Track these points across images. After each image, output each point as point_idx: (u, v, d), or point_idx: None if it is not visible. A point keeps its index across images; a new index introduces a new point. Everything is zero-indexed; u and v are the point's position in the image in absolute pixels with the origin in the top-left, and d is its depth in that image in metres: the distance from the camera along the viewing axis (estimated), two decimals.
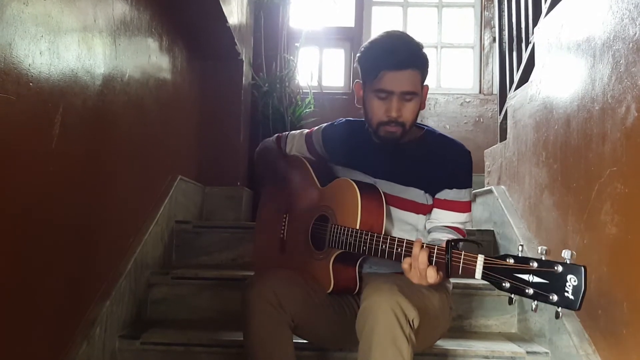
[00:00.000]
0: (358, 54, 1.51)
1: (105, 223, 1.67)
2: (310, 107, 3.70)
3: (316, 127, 1.73)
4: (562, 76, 1.84)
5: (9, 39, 1.09)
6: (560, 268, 0.99)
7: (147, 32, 1.98)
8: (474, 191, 2.70)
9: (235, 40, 2.82)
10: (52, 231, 1.33)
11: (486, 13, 4.26)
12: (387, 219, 1.46)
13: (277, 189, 1.76)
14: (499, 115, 2.88)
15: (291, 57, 3.74)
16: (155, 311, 2.03)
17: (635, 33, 1.34)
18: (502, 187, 2.46)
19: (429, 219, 1.52)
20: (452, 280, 1.71)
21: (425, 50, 1.48)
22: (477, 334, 1.97)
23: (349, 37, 4.34)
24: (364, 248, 1.35)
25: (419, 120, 1.56)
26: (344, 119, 1.69)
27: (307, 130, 1.75)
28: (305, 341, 1.60)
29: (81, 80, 1.43)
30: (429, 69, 1.49)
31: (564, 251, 1.00)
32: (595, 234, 1.52)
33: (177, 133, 2.50)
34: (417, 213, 1.51)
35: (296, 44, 3.80)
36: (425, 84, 1.49)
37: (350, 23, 4.35)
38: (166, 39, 2.22)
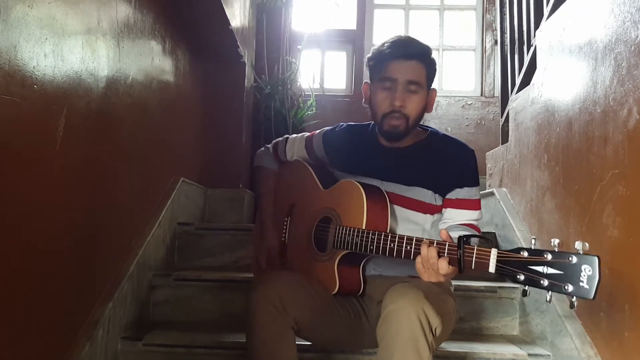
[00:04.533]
0: (369, 55, 1.54)
1: (108, 225, 1.67)
2: (312, 110, 3.71)
3: (317, 131, 1.71)
4: (563, 79, 1.85)
5: (13, 41, 1.09)
6: (574, 259, 1.01)
7: (150, 35, 1.99)
8: None
9: (238, 42, 2.83)
10: (55, 233, 1.34)
11: (488, 16, 4.27)
12: (392, 218, 1.47)
13: (278, 193, 1.76)
14: (501, 117, 2.89)
15: (293, 60, 3.75)
16: (158, 313, 2.03)
17: (637, 36, 1.35)
18: (504, 189, 2.47)
19: (442, 220, 1.51)
20: (452, 282, 1.72)
21: None
22: (478, 337, 1.96)
23: (351, 39, 4.35)
24: (372, 247, 1.36)
25: (421, 123, 1.56)
26: (344, 124, 1.68)
27: (307, 134, 1.73)
28: (308, 343, 1.60)
29: (85, 83, 1.44)
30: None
31: (577, 242, 1.02)
32: (597, 237, 1.52)
33: (179, 135, 2.51)
34: (424, 213, 1.50)
35: (298, 47, 3.81)
36: (433, 87, 1.54)
37: (352, 26, 4.36)
38: (169, 42, 2.23)
